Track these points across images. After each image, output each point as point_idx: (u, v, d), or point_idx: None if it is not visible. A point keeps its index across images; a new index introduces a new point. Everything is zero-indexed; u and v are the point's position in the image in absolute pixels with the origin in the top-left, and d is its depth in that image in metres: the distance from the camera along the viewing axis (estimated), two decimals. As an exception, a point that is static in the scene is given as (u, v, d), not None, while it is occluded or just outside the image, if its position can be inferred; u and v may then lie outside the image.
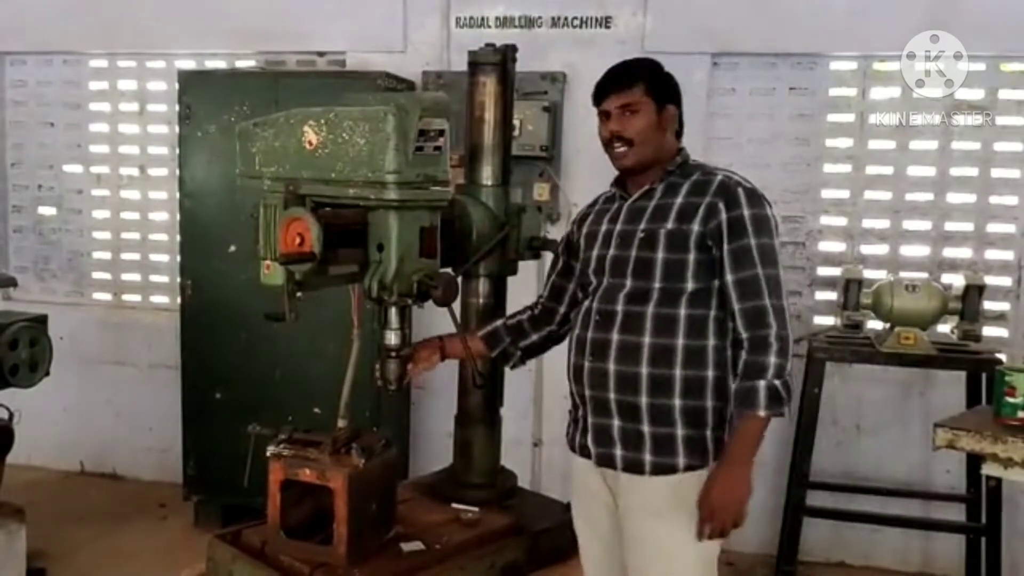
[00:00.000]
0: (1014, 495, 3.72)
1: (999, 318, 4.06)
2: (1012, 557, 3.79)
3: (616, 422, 2.10)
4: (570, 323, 2.27)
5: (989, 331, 3.96)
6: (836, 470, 4.10)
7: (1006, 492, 3.57)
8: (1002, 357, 3.67)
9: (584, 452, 2.17)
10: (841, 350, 3.73)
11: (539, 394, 4.44)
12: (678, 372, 2.05)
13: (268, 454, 1.98)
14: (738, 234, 2.04)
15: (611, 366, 2.09)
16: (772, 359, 1.99)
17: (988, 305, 3.84)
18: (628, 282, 2.10)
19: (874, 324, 3.90)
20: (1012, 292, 4.07)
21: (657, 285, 2.07)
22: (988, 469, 2.79)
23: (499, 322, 2.40)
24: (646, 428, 2.07)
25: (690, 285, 2.06)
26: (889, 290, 3.66)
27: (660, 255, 2.08)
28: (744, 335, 2.03)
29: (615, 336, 2.09)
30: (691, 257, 2.06)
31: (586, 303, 2.19)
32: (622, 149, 2.17)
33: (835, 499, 3.95)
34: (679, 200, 2.11)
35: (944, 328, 3.80)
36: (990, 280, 3.84)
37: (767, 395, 1.98)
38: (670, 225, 2.08)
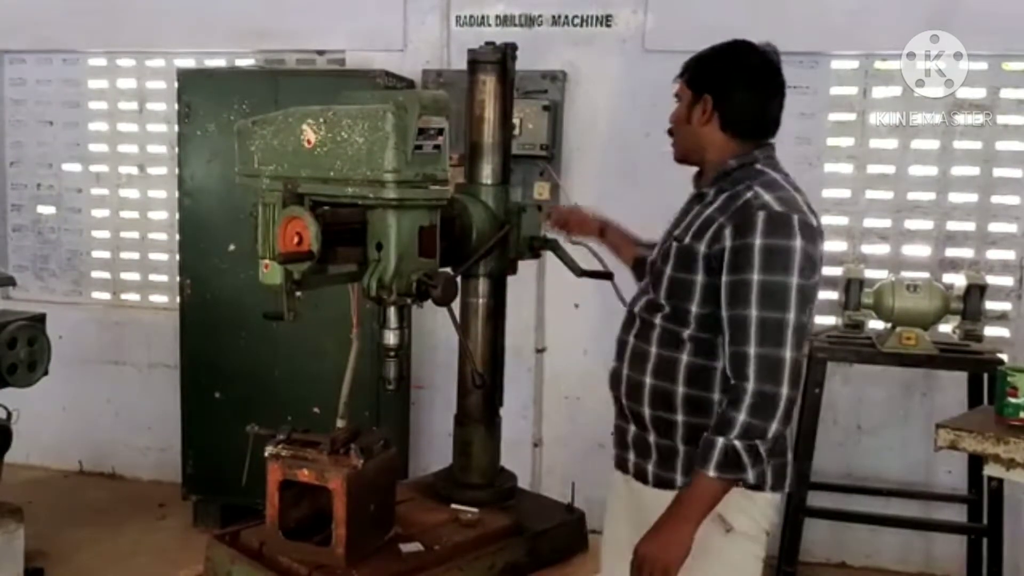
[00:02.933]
0: (1016, 496, 3.70)
1: (1001, 318, 4.05)
2: (1014, 558, 3.77)
3: (632, 427, 2.04)
4: None
5: (991, 331, 3.95)
6: (837, 470, 4.09)
7: (1008, 493, 3.56)
8: (1004, 357, 3.65)
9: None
10: (842, 350, 3.72)
11: (539, 394, 4.43)
12: (680, 389, 1.92)
13: (266, 454, 1.97)
14: (740, 266, 1.80)
15: (624, 370, 2.04)
16: (741, 416, 1.75)
17: (990, 305, 3.82)
18: (649, 289, 2.02)
19: (875, 324, 3.88)
20: (1014, 292, 4.06)
21: (663, 301, 1.95)
22: (990, 470, 2.78)
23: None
24: (651, 438, 1.99)
25: (695, 309, 1.89)
26: (890, 290, 3.65)
27: (668, 271, 1.94)
28: (731, 381, 1.81)
29: (631, 340, 2.03)
30: (698, 279, 1.88)
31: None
32: (672, 138, 2.08)
33: (836, 499, 3.94)
34: (705, 212, 1.92)
35: (946, 328, 3.78)
36: (992, 280, 3.83)
37: (721, 455, 1.76)
38: (686, 240, 1.91)
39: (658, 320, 1.96)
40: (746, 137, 1.98)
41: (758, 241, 1.78)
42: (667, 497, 1.89)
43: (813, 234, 1.83)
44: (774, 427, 1.76)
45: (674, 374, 1.93)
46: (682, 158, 2.07)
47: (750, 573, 1.99)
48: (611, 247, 2.43)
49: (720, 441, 1.76)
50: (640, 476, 2.03)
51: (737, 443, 1.75)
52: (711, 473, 1.77)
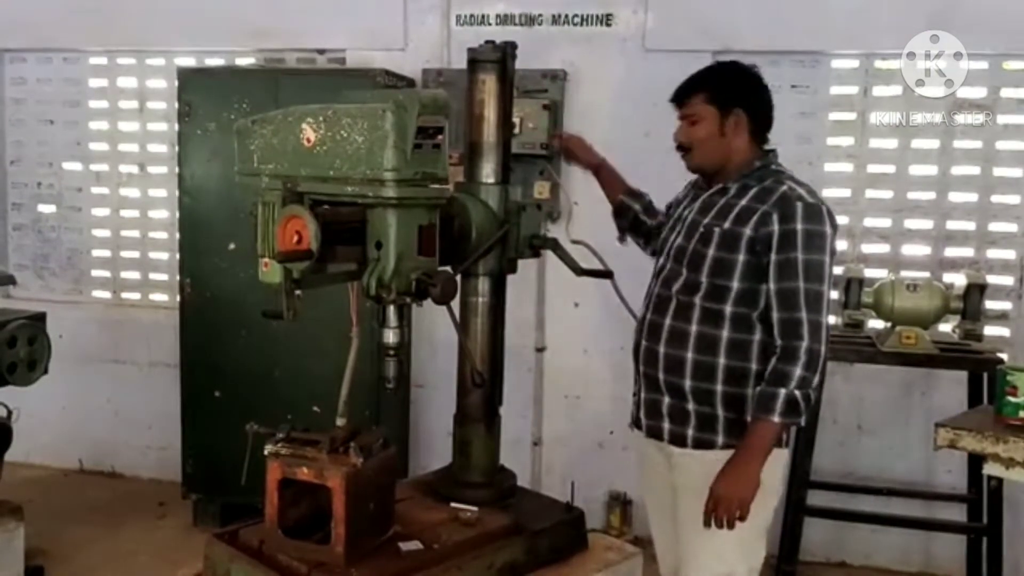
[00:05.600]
0: (1015, 495, 3.70)
1: (1001, 317, 4.06)
2: (1014, 557, 3.78)
3: (666, 399, 2.29)
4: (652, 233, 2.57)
5: (991, 330, 3.95)
6: (837, 470, 4.09)
7: (1007, 492, 3.56)
8: (1004, 356, 3.66)
9: (638, 424, 2.40)
10: (842, 349, 3.71)
11: (539, 393, 4.43)
12: (721, 360, 2.20)
13: (266, 453, 1.97)
14: (787, 247, 2.12)
15: (661, 348, 2.27)
16: (797, 370, 2.08)
17: (990, 304, 3.83)
18: (684, 271, 2.25)
19: (875, 323, 3.89)
20: (1014, 291, 4.06)
21: (705, 280, 2.21)
22: (989, 469, 2.78)
23: (645, 194, 2.67)
24: (691, 407, 2.24)
25: (736, 284, 2.18)
26: (890, 289, 3.65)
27: (711, 252, 2.20)
28: (778, 343, 2.13)
29: (667, 321, 2.26)
30: (740, 258, 2.17)
31: (649, 286, 2.37)
32: (683, 155, 2.33)
33: (836, 499, 3.94)
34: (742, 203, 2.21)
35: (946, 327, 3.79)
36: (992, 279, 3.83)
37: (785, 403, 2.08)
38: (727, 225, 2.20)
39: (697, 300, 2.22)
40: (763, 140, 2.32)
41: (800, 226, 2.12)
42: (706, 456, 2.22)
43: (835, 222, 2.20)
44: (817, 379, 2.11)
45: (716, 349, 2.20)
46: (700, 168, 2.34)
47: (767, 522, 2.32)
48: (603, 184, 2.73)
49: (782, 392, 2.08)
50: (677, 441, 2.28)
51: (796, 392, 2.08)
52: (775, 419, 2.09)
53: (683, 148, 2.33)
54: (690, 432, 2.27)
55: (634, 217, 2.66)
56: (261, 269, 1.88)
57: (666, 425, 2.30)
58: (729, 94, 2.27)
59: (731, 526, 2.14)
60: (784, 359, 2.11)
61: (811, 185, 2.26)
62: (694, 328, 2.22)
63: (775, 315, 2.14)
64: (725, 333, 2.20)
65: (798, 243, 2.11)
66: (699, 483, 2.21)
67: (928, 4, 3.86)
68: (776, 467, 2.30)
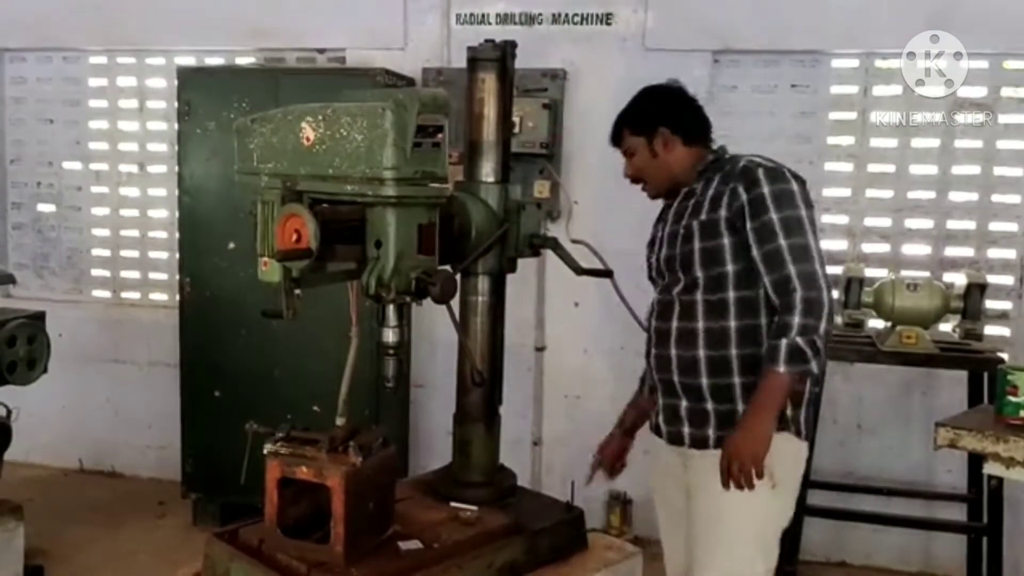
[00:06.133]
0: (1016, 495, 3.70)
1: (1001, 317, 4.05)
2: (1014, 557, 3.77)
3: (683, 402, 2.29)
4: None
5: (991, 330, 3.95)
6: (837, 469, 4.09)
7: (1008, 492, 3.55)
8: (1004, 356, 3.65)
9: (658, 432, 2.39)
10: (842, 349, 3.70)
11: (539, 393, 4.43)
12: (734, 351, 2.21)
13: (265, 452, 1.96)
14: (760, 211, 2.15)
15: (672, 351, 2.28)
16: (796, 319, 2.08)
17: (990, 304, 3.83)
18: (679, 274, 2.28)
19: (875, 323, 3.89)
20: (1014, 291, 4.06)
21: (700, 273, 2.22)
22: (990, 468, 2.77)
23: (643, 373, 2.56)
24: (710, 406, 2.24)
25: (730, 268, 2.19)
26: (891, 289, 3.65)
27: (697, 245, 2.23)
28: (777, 304, 2.15)
29: (674, 323, 2.28)
30: (725, 241, 2.19)
31: (654, 296, 2.40)
32: (640, 186, 2.41)
33: (836, 499, 3.93)
34: (710, 192, 2.26)
35: (946, 327, 3.78)
36: (992, 279, 3.83)
37: (788, 352, 2.07)
38: (703, 216, 2.23)
39: (699, 296, 2.23)
40: (704, 142, 2.37)
41: (766, 189, 2.16)
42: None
43: (800, 179, 2.23)
44: (823, 325, 2.10)
45: (726, 341, 2.21)
46: (658, 194, 2.42)
47: (786, 521, 2.30)
48: (640, 425, 2.60)
49: (783, 342, 2.08)
50: (698, 443, 2.27)
51: (798, 339, 2.07)
52: (781, 368, 2.08)
53: (636, 181, 2.42)
54: (711, 433, 2.27)
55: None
56: (260, 268, 1.88)
57: (686, 429, 2.30)
58: (646, 118, 2.36)
59: (750, 485, 2.12)
60: (784, 312, 2.12)
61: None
62: (701, 324, 2.23)
63: (767, 280, 2.15)
64: (732, 323, 2.20)
65: (769, 205, 2.14)
66: (716, 481, 2.20)
67: (928, 3, 3.86)
68: (789, 461, 2.27)
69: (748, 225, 2.16)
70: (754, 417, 2.13)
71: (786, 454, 2.23)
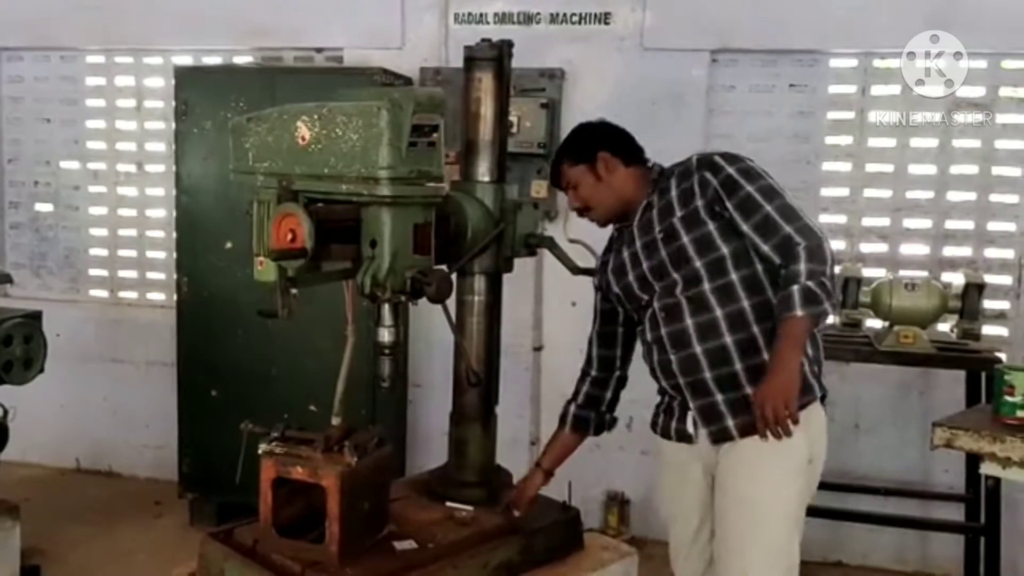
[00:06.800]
0: (1013, 495, 3.70)
1: (999, 317, 4.05)
2: (1011, 557, 3.77)
3: (719, 396, 2.24)
4: (628, 361, 2.52)
5: (989, 330, 3.94)
6: (834, 469, 4.03)
7: (1005, 492, 3.54)
8: (1002, 356, 3.64)
9: (683, 437, 2.32)
10: (840, 349, 3.70)
11: (536, 393, 4.43)
12: (755, 328, 2.21)
13: (260, 452, 1.96)
14: (734, 189, 2.20)
15: (697, 348, 2.24)
16: (802, 266, 2.11)
17: (988, 304, 3.82)
18: (675, 275, 2.25)
19: (873, 323, 3.88)
20: (1012, 291, 4.05)
21: (699, 263, 2.22)
22: (987, 468, 2.76)
23: (572, 408, 2.53)
24: (748, 390, 2.20)
25: (725, 249, 2.21)
26: (888, 288, 3.64)
27: (685, 239, 2.23)
28: (780, 263, 2.17)
29: (688, 321, 2.25)
30: (711, 227, 2.22)
31: (648, 310, 2.32)
32: (588, 216, 2.41)
33: (833, 498, 3.91)
34: (674, 193, 2.28)
35: (944, 327, 3.78)
36: (990, 279, 3.82)
37: (802, 295, 2.10)
38: (680, 213, 2.25)
39: (705, 287, 2.22)
40: (642, 162, 2.40)
41: (730, 169, 2.22)
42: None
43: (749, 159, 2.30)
44: (829, 268, 2.14)
45: (745, 320, 2.22)
46: (608, 219, 2.41)
47: (812, 493, 2.32)
48: (558, 465, 2.53)
49: (795, 287, 2.11)
50: (748, 431, 2.20)
51: (808, 283, 2.10)
52: (799, 312, 2.10)
53: (583, 212, 2.41)
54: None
55: (598, 412, 2.56)
56: (256, 267, 1.88)
57: (731, 422, 2.24)
58: (583, 146, 2.38)
59: (786, 431, 2.09)
60: (790, 264, 2.14)
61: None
62: (719, 312, 2.22)
63: (765, 248, 2.18)
64: (746, 303, 2.21)
65: (741, 181, 2.19)
66: (760, 462, 2.20)
67: (927, 3, 3.85)
68: (822, 431, 2.30)
69: (728, 204, 2.20)
70: (780, 361, 2.12)
71: (820, 426, 2.29)
